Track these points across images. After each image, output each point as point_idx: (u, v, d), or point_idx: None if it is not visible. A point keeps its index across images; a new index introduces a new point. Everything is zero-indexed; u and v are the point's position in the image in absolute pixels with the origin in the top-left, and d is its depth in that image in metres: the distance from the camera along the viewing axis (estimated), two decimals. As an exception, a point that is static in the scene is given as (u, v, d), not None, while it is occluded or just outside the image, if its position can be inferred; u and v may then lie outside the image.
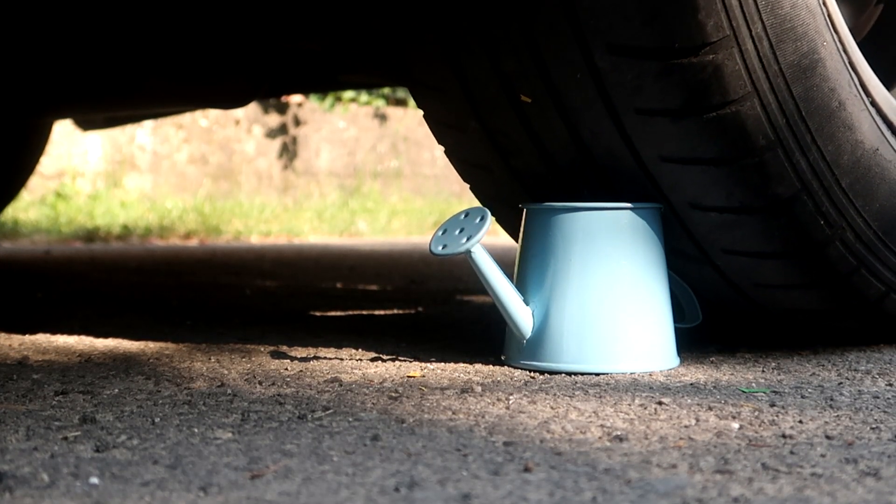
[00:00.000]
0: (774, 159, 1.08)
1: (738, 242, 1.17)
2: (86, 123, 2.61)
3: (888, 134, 1.18)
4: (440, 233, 1.16)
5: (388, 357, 1.29)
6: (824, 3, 1.11)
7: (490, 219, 1.14)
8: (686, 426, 0.91)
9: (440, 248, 1.14)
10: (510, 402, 1.00)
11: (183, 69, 1.68)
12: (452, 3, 1.15)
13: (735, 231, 1.16)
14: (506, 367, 1.21)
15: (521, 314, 1.17)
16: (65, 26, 1.58)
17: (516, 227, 1.26)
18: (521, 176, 1.26)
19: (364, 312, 1.80)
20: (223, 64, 1.69)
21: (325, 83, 2.24)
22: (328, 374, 1.17)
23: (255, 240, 4.25)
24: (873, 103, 1.17)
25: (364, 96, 5.46)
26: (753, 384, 1.09)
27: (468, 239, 1.12)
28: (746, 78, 1.04)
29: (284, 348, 1.39)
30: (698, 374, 1.15)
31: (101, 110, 2.17)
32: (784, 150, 1.08)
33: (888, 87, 1.27)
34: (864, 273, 1.20)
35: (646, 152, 1.12)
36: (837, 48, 1.12)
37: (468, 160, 1.32)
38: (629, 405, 0.99)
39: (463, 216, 1.16)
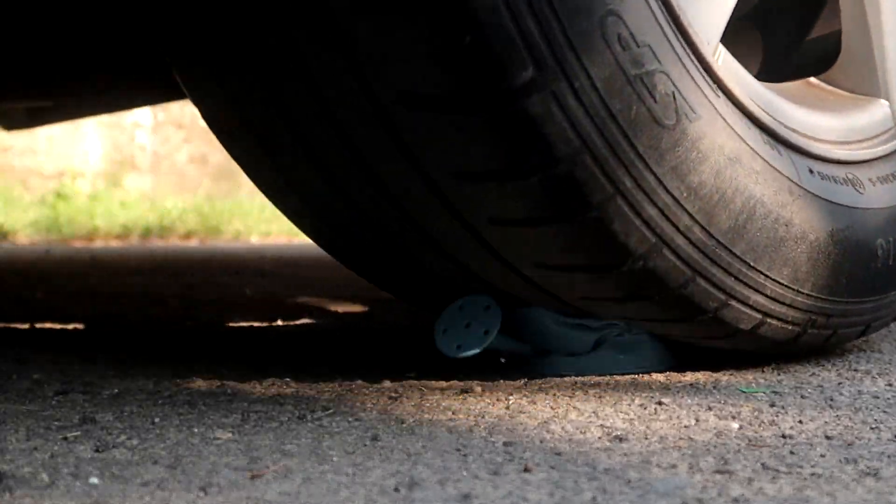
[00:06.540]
0: (730, 311, 1.06)
1: None
2: (8, 122, 2.49)
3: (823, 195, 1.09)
4: (441, 332, 1.08)
5: (388, 356, 1.29)
6: (748, 118, 1.03)
7: (499, 308, 1.07)
8: (686, 426, 0.91)
9: (455, 348, 1.06)
10: (510, 402, 1.00)
11: None
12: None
13: None
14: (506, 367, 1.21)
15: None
16: None
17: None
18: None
19: (363, 311, 1.80)
20: None
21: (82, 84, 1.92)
22: (328, 374, 1.17)
23: (256, 240, 4.25)
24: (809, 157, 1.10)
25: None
26: (753, 384, 1.09)
27: (486, 332, 1.05)
28: (685, 267, 1.01)
29: (284, 348, 1.39)
30: (698, 374, 1.15)
31: None
32: (739, 301, 1.06)
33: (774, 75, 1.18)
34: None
35: None
36: (773, 164, 1.04)
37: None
38: (629, 405, 0.99)
39: (458, 308, 1.09)
